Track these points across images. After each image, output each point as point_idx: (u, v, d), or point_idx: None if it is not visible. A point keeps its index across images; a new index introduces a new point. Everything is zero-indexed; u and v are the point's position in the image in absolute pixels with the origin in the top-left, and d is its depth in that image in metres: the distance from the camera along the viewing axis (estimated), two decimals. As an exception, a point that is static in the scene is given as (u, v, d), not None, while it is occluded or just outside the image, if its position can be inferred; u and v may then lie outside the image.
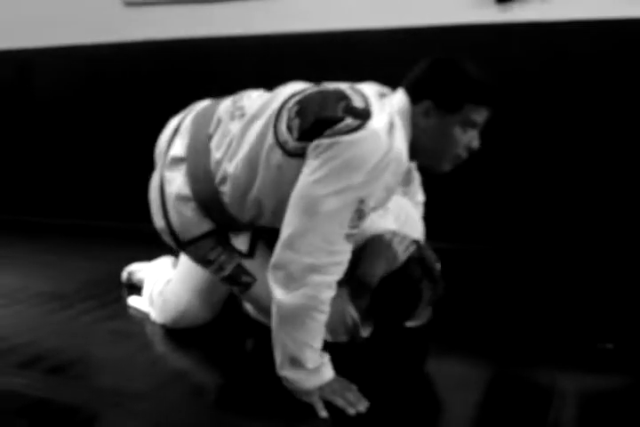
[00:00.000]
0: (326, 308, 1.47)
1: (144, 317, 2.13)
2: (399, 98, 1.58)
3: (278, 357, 1.50)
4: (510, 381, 1.68)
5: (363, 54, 3.02)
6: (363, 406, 1.47)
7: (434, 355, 1.85)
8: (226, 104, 1.75)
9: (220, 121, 1.71)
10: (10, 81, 4.04)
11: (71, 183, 3.88)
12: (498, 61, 2.82)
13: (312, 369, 1.48)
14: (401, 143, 1.48)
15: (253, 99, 1.72)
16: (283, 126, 1.54)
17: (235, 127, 1.66)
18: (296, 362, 1.47)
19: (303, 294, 1.44)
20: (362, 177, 1.41)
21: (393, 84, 1.67)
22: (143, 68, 3.66)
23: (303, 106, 1.54)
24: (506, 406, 1.54)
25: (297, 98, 1.58)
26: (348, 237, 1.45)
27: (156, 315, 2.04)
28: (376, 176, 1.43)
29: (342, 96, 1.53)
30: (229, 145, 1.65)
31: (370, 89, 1.62)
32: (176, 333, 1.99)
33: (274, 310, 1.48)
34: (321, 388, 1.49)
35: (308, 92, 1.60)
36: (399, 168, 1.49)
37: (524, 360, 1.79)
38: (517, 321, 2.07)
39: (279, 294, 1.46)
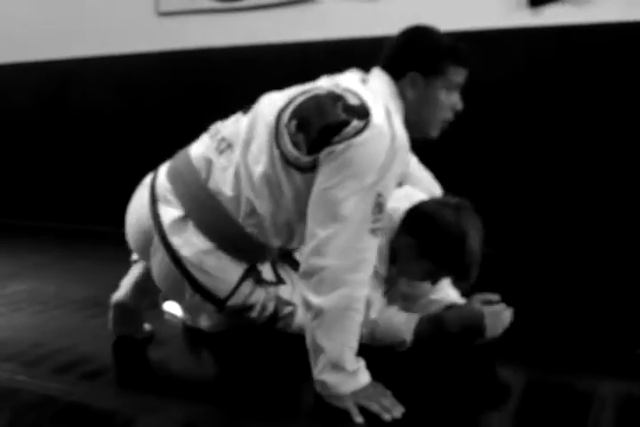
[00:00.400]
0: (362, 306, 1.48)
1: (179, 322, 2.13)
2: (382, 80, 1.62)
3: (318, 362, 1.48)
4: (549, 386, 1.65)
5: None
6: (398, 411, 1.45)
7: (471, 359, 1.82)
8: (202, 145, 1.71)
9: (208, 161, 1.66)
10: (47, 91, 4.12)
11: (106, 191, 3.93)
12: (532, 64, 2.80)
13: (351, 372, 1.47)
14: (400, 127, 1.50)
15: (231, 126, 1.69)
16: (288, 145, 1.52)
17: (230, 159, 1.63)
18: (337, 365, 1.46)
19: (339, 295, 1.44)
20: (376, 174, 1.44)
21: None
22: (177, 77, 3.70)
23: (301, 118, 1.51)
24: (545, 410, 1.51)
25: (289, 111, 1.54)
26: (373, 231, 1.46)
27: (192, 320, 2.04)
28: (388, 168, 1.45)
29: (335, 96, 1.51)
30: (237, 177, 1.61)
31: (351, 80, 1.62)
32: (212, 338, 1.99)
33: (308, 316, 1.48)
34: (355, 393, 1.47)
35: (298, 101, 1.55)
36: (405, 154, 1.52)
37: (562, 365, 1.76)
38: (554, 326, 2.04)
39: (315, 300, 1.45)
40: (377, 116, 1.46)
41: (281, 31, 3.33)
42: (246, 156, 1.60)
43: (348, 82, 1.59)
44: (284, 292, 1.77)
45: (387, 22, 3.06)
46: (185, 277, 1.65)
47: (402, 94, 1.62)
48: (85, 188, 4.05)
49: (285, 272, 1.83)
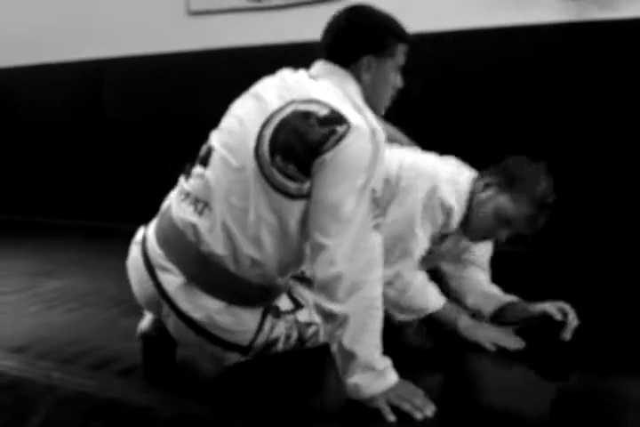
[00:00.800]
0: (381, 303, 1.49)
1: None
2: (331, 72, 1.59)
3: (347, 366, 1.48)
4: (581, 388, 1.64)
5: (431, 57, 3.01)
6: (430, 410, 1.45)
7: (504, 360, 1.81)
8: (179, 208, 1.62)
9: (192, 225, 1.56)
10: (81, 91, 4.17)
11: (137, 190, 3.96)
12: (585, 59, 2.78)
13: (381, 370, 1.47)
14: (373, 119, 1.50)
15: (197, 185, 1.59)
16: (282, 180, 1.47)
17: (213, 218, 1.54)
18: (367, 366, 1.46)
19: (358, 298, 1.45)
20: (365, 173, 1.44)
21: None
22: (208, 76, 3.71)
23: (283, 150, 1.46)
24: (579, 414, 1.49)
25: (266, 150, 1.47)
26: (375, 227, 1.48)
27: None
28: (375, 164, 1.46)
29: (302, 114, 1.46)
30: (228, 234, 1.53)
31: (300, 83, 1.57)
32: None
33: (330, 325, 1.48)
34: (386, 393, 1.47)
35: (269, 135, 1.48)
36: (383, 141, 1.50)
37: (596, 367, 1.74)
38: (587, 328, 2.01)
39: (336, 308, 1.45)
40: (352, 116, 1.45)
41: (312, 29, 3.32)
42: (230, 210, 1.53)
43: (299, 88, 1.54)
44: (302, 314, 1.74)
45: (415, 19, 3.07)
46: (202, 336, 1.61)
47: (357, 78, 1.59)
48: (117, 186, 4.10)
49: (298, 293, 1.79)
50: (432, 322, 1.96)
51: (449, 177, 1.95)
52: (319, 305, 1.49)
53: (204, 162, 1.61)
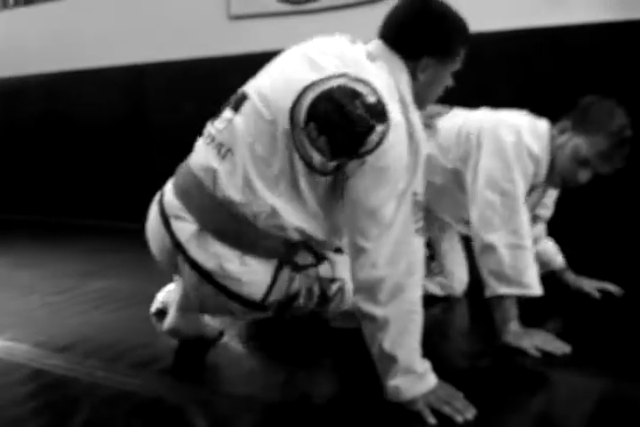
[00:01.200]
0: (420, 307, 1.48)
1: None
2: (393, 61, 1.53)
3: (388, 369, 1.48)
4: (619, 393, 1.62)
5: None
6: (470, 413, 1.44)
7: (543, 364, 1.79)
8: (200, 154, 1.63)
9: (211, 170, 1.56)
10: (123, 94, 4.24)
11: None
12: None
13: (421, 373, 1.47)
14: (416, 118, 1.48)
15: (224, 130, 1.58)
16: (309, 149, 1.45)
17: (234, 163, 1.53)
18: (408, 369, 1.46)
19: (400, 302, 1.45)
20: (406, 176, 1.44)
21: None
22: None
23: (320, 121, 1.43)
24: (616, 419, 1.48)
25: (303, 113, 1.44)
26: (417, 231, 1.47)
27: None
28: (415, 166, 1.45)
29: (351, 92, 1.42)
30: (247, 180, 1.52)
31: (358, 57, 1.52)
32: (288, 335, 2.02)
33: (372, 328, 1.47)
34: (426, 395, 1.47)
35: (310, 99, 1.44)
36: (424, 144, 1.49)
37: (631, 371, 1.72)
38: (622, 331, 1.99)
39: (378, 311, 1.45)
40: (394, 113, 1.43)
41: (350, 32, 3.32)
42: (253, 158, 1.51)
43: (355, 65, 1.48)
44: (325, 270, 1.68)
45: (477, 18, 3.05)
46: (218, 289, 1.59)
47: (412, 73, 1.54)
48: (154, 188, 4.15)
49: (319, 249, 1.70)
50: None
51: (529, 127, 1.96)
52: (358, 307, 1.49)
53: (236, 107, 1.59)
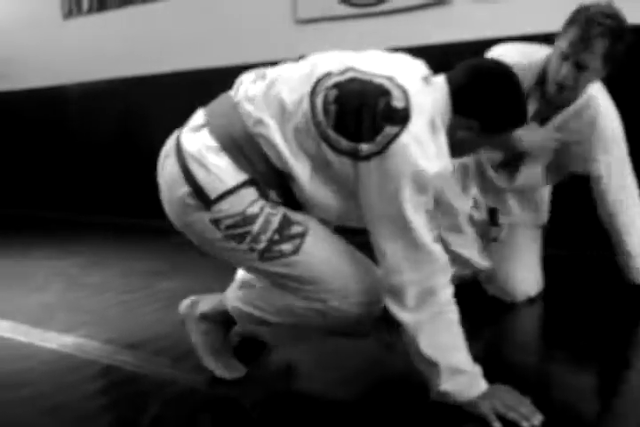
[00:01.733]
0: (453, 306, 1.48)
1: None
2: (443, 95, 1.51)
3: (433, 375, 1.47)
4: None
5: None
6: (537, 419, 1.41)
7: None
8: (244, 80, 1.66)
9: (240, 84, 1.63)
10: (187, 100, 4.31)
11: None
12: None
13: (471, 372, 1.46)
14: (442, 140, 1.46)
15: (275, 69, 1.63)
16: (319, 103, 1.46)
17: (260, 85, 1.57)
18: (455, 370, 1.45)
19: (430, 304, 1.45)
20: (414, 185, 1.41)
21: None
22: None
23: (341, 93, 1.45)
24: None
25: (335, 80, 1.47)
26: (435, 240, 1.47)
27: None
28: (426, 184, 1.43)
29: (383, 91, 1.43)
30: (266, 98, 1.53)
31: (412, 75, 1.51)
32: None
33: (408, 334, 1.47)
34: (492, 400, 1.44)
35: (348, 76, 1.47)
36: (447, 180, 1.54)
37: None
38: None
39: (408, 317, 1.45)
40: (416, 125, 1.41)
41: (415, 35, 3.32)
42: (275, 85, 1.54)
43: (408, 78, 1.48)
44: (294, 214, 1.57)
45: (520, 23, 3.00)
46: (183, 172, 1.54)
47: (452, 129, 1.51)
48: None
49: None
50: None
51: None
52: (391, 312, 1.48)
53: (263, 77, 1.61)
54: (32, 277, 3.08)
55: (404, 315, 1.46)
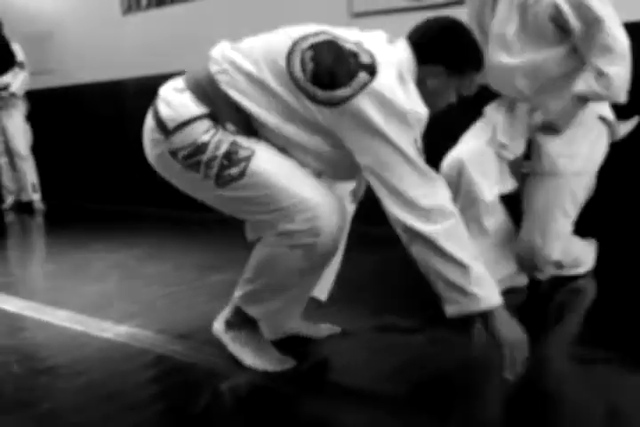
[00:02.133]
0: (455, 209, 1.60)
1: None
2: (406, 52, 1.66)
3: (461, 279, 1.53)
4: None
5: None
6: (515, 374, 1.51)
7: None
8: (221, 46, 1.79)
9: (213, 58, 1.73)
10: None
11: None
12: None
13: (492, 280, 1.56)
14: (412, 89, 1.59)
15: (248, 39, 1.77)
16: (297, 62, 1.59)
17: (236, 48, 1.72)
18: (482, 274, 1.54)
19: (449, 215, 1.56)
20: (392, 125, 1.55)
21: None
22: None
23: (317, 53, 1.59)
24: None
25: (310, 41, 1.62)
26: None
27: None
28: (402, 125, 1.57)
29: (353, 53, 1.58)
30: (239, 56, 1.68)
31: (377, 40, 1.67)
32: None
33: (424, 250, 1.56)
34: (514, 343, 1.52)
35: (321, 38, 1.62)
36: (415, 115, 1.58)
37: None
38: None
39: (431, 228, 1.54)
40: (385, 75, 1.56)
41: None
42: (252, 49, 1.68)
43: (373, 42, 1.64)
44: (243, 139, 1.66)
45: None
46: (152, 111, 1.72)
47: (421, 79, 1.66)
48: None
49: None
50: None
51: None
52: (410, 226, 1.56)
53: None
54: (90, 269, 3.17)
55: (428, 228, 1.54)
